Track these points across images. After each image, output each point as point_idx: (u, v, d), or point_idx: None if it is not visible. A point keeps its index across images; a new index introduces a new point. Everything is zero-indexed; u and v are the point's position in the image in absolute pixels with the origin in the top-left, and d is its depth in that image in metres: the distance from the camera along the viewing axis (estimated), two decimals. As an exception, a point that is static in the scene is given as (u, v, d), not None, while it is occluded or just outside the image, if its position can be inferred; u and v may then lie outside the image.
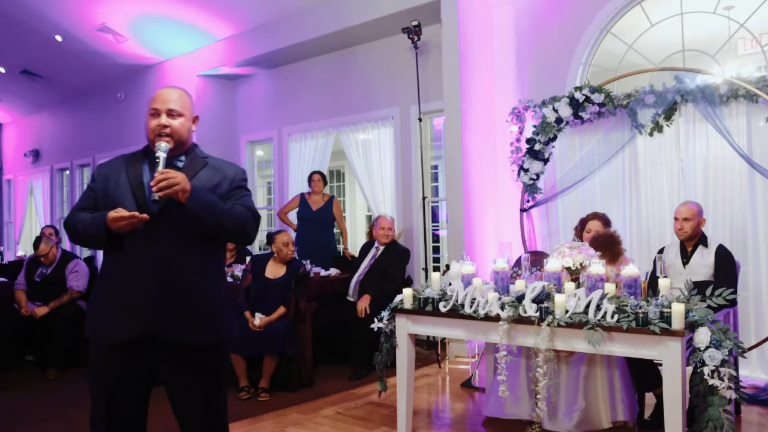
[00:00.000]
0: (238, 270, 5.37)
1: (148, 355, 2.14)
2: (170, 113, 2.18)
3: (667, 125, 4.75)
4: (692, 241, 3.96)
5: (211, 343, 2.18)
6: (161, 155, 2.12)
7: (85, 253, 9.57)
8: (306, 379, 4.66)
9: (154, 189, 2.02)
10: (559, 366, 3.45)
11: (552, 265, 3.23)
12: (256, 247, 8.04)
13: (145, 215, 2.05)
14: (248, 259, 5.21)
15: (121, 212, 2.04)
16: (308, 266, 5.27)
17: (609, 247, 3.67)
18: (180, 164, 2.22)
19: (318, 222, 6.41)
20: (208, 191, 2.16)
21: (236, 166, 2.34)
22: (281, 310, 4.55)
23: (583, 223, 4.26)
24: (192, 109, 2.27)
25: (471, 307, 3.20)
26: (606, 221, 4.16)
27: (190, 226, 2.12)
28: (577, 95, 4.93)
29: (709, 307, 2.88)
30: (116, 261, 2.16)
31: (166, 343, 2.12)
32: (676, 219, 3.99)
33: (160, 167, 2.09)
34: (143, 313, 2.09)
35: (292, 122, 7.65)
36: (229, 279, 5.28)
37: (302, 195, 6.59)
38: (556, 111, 5.02)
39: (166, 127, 2.17)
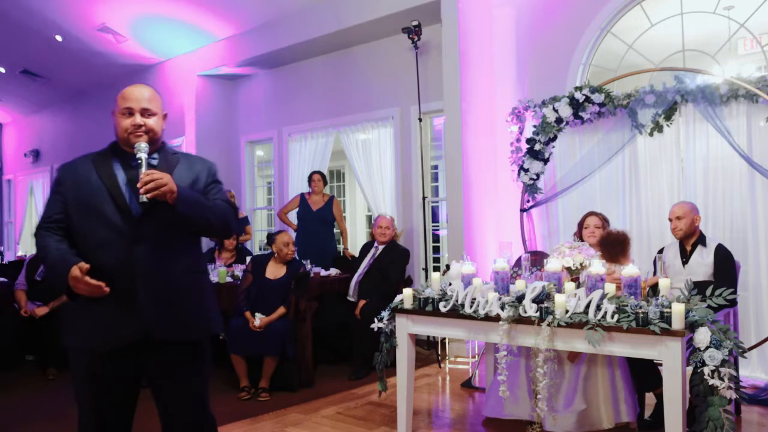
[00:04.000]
0: (238, 270, 5.37)
1: (137, 357, 2.14)
2: (144, 112, 2.16)
3: (667, 125, 4.75)
4: (691, 240, 3.96)
5: (200, 339, 2.22)
6: (143, 156, 2.10)
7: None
8: (306, 379, 4.66)
9: (142, 191, 2.01)
10: (560, 366, 3.45)
11: (552, 265, 3.23)
12: (256, 247, 8.05)
13: (107, 288, 2.02)
14: (248, 259, 5.21)
15: (85, 279, 1.99)
16: (308, 266, 5.27)
17: (620, 249, 3.65)
18: (154, 162, 2.19)
19: (318, 222, 6.40)
20: (190, 189, 2.17)
21: (207, 160, 2.33)
22: (281, 310, 4.55)
23: (580, 223, 4.25)
24: (162, 107, 2.25)
25: (471, 307, 3.20)
26: (604, 219, 4.16)
27: (172, 225, 2.13)
28: (577, 95, 4.92)
29: (709, 307, 2.88)
30: (101, 265, 2.07)
31: (157, 342, 2.12)
32: (670, 220, 4.00)
33: (144, 168, 2.08)
34: (138, 315, 2.09)
35: (292, 122, 7.64)
36: (229, 279, 5.28)
37: (302, 195, 6.59)
38: (556, 111, 5.02)
39: (141, 126, 2.14)
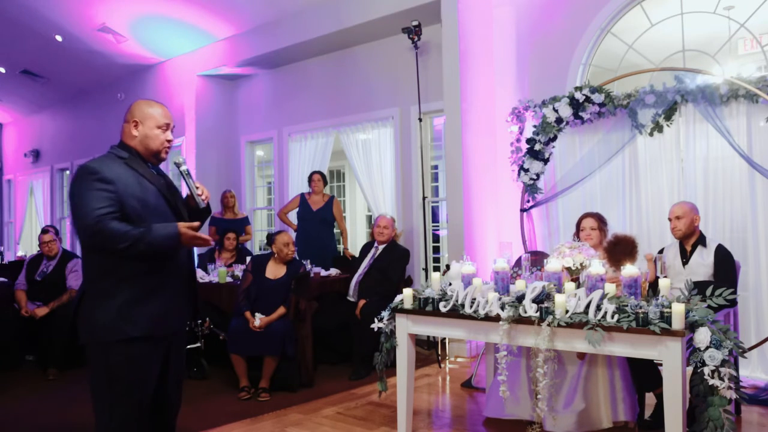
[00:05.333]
0: (238, 270, 5.37)
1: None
2: (173, 130, 2.49)
3: (667, 125, 4.75)
4: (691, 240, 3.96)
5: None
6: (186, 168, 2.50)
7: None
8: (306, 379, 4.66)
9: (203, 197, 2.46)
10: (563, 366, 3.45)
11: (552, 265, 3.23)
12: (256, 247, 8.05)
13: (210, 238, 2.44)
14: (248, 259, 5.21)
15: (196, 233, 2.28)
16: (308, 266, 5.27)
17: (628, 258, 3.61)
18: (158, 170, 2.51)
19: (318, 222, 6.40)
20: None
21: None
22: (281, 310, 4.55)
23: (577, 225, 4.24)
24: None
25: (471, 307, 3.20)
26: (600, 219, 4.14)
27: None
28: (578, 95, 4.93)
29: (709, 307, 2.88)
30: (159, 262, 2.32)
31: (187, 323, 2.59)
32: (669, 219, 4.00)
33: (193, 179, 2.48)
34: (192, 300, 2.49)
35: (292, 122, 7.65)
36: (229, 279, 5.28)
37: (302, 195, 6.58)
38: (556, 111, 5.02)
39: (171, 141, 2.47)
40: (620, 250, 3.63)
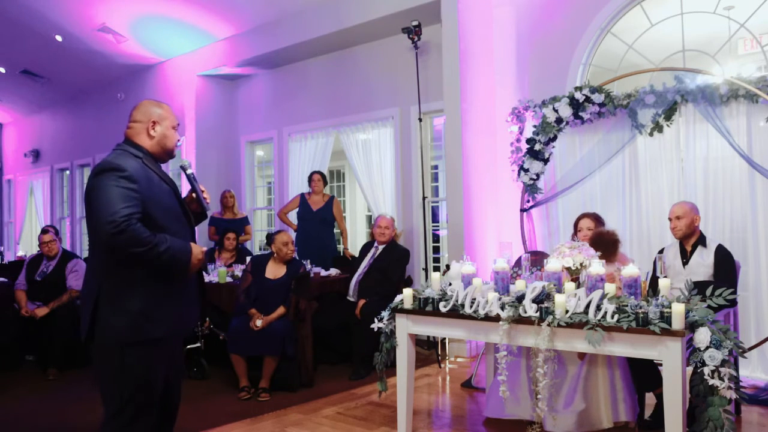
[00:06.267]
0: (238, 270, 5.37)
1: None
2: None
3: (667, 125, 4.75)
4: (691, 240, 3.96)
5: None
6: (191, 171, 2.54)
7: (86, 253, 9.56)
8: (306, 379, 4.66)
9: (208, 199, 2.52)
10: (563, 366, 3.45)
11: (552, 265, 3.23)
12: (256, 247, 8.05)
13: None
14: (248, 259, 5.21)
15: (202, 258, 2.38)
16: (308, 266, 5.27)
17: (607, 246, 3.66)
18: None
19: (318, 222, 6.40)
20: None
21: None
22: (281, 310, 4.55)
23: (574, 225, 4.25)
24: None
25: (471, 307, 3.20)
26: (597, 219, 4.15)
27: None
28: (578, 95, 4.93)
29: (709, 307, 2.88)
30: None
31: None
32: (669, 219, 4.00)
33: (197, 181, 2.53)
34: (199, 303, 2.55)
35: (292, 122, 7.65)
36: (229, 279, 5.29)
37: (302, 195, 6.58)
38: (556, 111, 5.02)
39: (179, 140, 2.51)
40: (605, 240, 3.66)
